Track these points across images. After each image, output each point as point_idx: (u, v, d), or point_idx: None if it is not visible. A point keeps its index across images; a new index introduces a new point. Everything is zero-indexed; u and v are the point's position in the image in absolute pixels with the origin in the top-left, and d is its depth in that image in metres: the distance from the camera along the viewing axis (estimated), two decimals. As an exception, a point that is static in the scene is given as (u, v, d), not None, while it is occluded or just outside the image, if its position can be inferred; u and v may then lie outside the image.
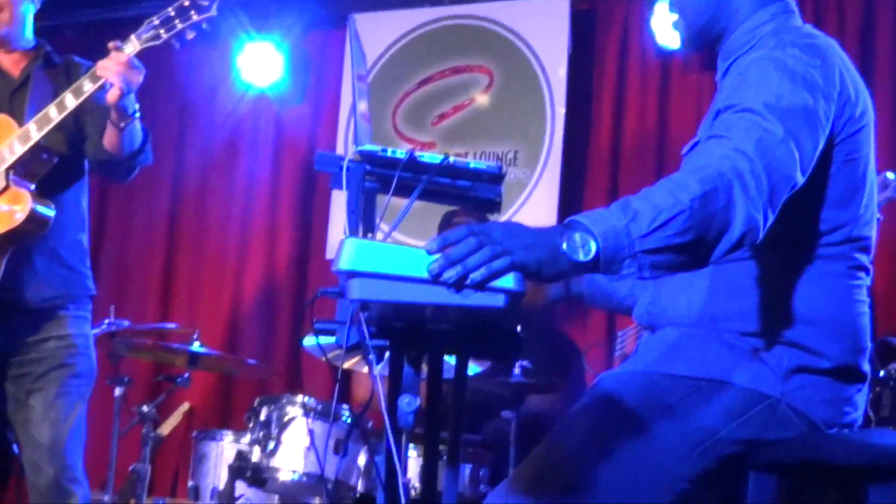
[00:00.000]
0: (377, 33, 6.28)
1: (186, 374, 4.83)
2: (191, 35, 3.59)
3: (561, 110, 5.80)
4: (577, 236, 1.90)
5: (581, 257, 1.89)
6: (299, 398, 4.53)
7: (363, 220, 2.64)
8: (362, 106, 2.74)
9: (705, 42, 2.52)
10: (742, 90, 2.21)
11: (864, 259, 2.38)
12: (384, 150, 2.59)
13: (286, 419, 4.47)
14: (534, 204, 5.78)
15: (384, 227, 2.73)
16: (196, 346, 4.71)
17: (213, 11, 3.59)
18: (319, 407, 4.49)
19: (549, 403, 4.73)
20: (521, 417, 4.32)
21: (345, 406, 4.71)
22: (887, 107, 5.18)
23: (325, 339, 4.37)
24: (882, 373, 3.99)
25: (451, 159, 2.62)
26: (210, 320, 6.32)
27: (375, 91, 6.13)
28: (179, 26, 3.57)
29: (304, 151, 6.47)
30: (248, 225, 6.55)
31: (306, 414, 4.45)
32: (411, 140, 6.14)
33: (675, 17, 2.53)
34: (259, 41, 6.27)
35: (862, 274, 2.38)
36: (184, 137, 6.71)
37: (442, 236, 1.88)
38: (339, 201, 6.21)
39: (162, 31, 3.57)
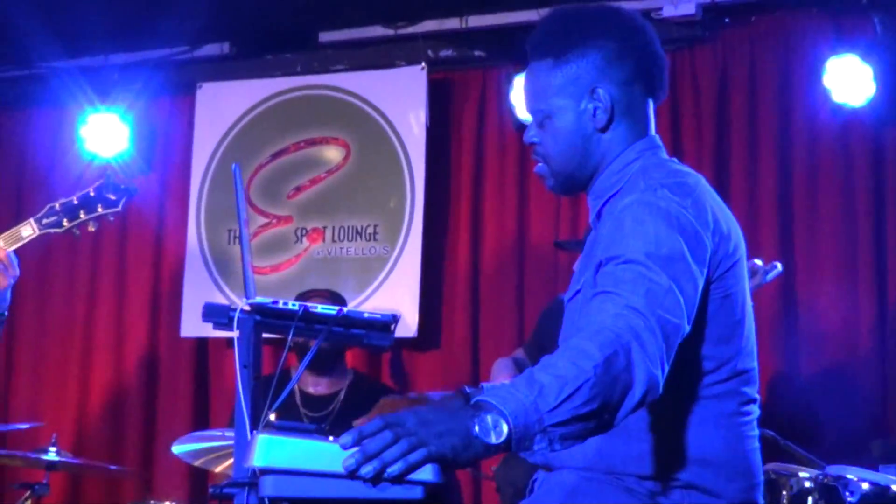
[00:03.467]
0: (226, 104, 6.13)
1: (45, 481, 4.61)
2: (92, 228, 3.55)
3: (420, 183, 5.74)
4: (489, 418, 1.90)
5: (493, 440, 1.90)
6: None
7: (254, 366, 2.64)
8: (248, 255, 2.70)
9: (575, 187, 2.52)
10: (620, 240, 2.22)
11: (752, 391, 2.42)
12: (275, 302, 2.59)
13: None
14: (395, 280, 5.70)
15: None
16: (53, 454, 4.50)
17: (120, 207, 3.55)
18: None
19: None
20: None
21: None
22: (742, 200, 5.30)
23: (195, 446, 4.28)
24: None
25: (345, 310, 2.64)
26: (54, 415, 6.06)
27: (227, 164, 5.98)
28: (83, 217, 3.53)
29: (152, 224, 6.29)
30: (94, 306, 6.32)
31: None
32: (267, 214, 6.00)
33: (540, 163, 2.51)
34: (103, 112, 6.07)
35: (751, 407, 2.42)
36: (23, 207, 6.41)
37: (357, 430, 1.87)
38: (191, 275, 6.06)
39: (65, 219, 3.52)
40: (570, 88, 2.43)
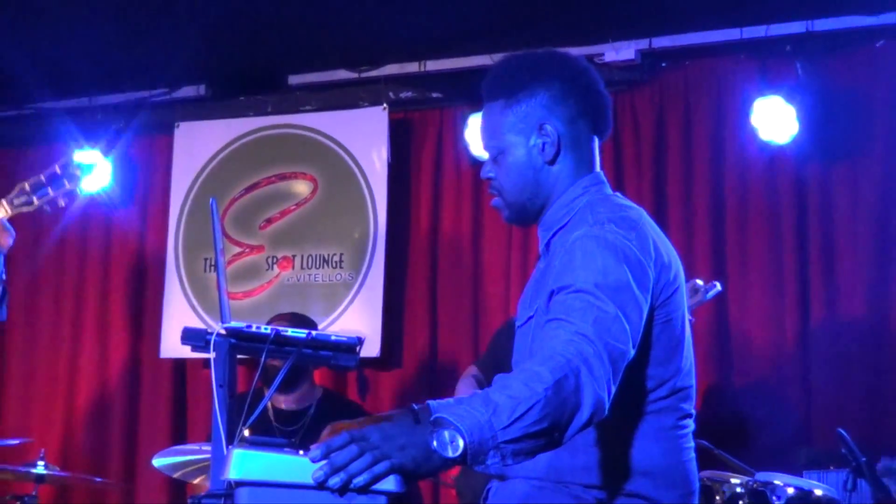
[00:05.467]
0: (202, 142, 6.46)
1: (34, 493, 4.84)
2: (62, 203, 3.65)
3: (382, 215, 6.05)
4: (447, 434, 2.02)
5: (450, 454, 2.02)
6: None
7: (229, 385, 2.69)
8: (224, 282, 2.92)
9: (528, 217, 2.67)
10: (571, 270, 2.36)
11: (689, 406, 2.58)
12: (248, 326, 2.68)
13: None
14: (360, 304, 6.02)
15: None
16: (41, 468, 4.71)
17: (82, 182, 3.62)
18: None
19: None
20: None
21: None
22: (679, 228, 5.66)
23: (175, 459, 4.49)
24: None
25: (314, 333, 2.76)
26: (42, 430, 6.35)
27: (203, 198, 6.31)
28: (51, 194, 3.64)
29: (134, 252, 6.60)
30: (79, 327, 6.59)
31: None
32: (240, 244, 6.32)
33: (496, 196, 2.67)
34: (88, 150, 6.33)
35: (688, 421, 2.58)
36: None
37: (325, 444, 2.00)
38: (170, 300, 6.37)
39: (34, 197, 3.63)
40: (521, 125, 2.58)
